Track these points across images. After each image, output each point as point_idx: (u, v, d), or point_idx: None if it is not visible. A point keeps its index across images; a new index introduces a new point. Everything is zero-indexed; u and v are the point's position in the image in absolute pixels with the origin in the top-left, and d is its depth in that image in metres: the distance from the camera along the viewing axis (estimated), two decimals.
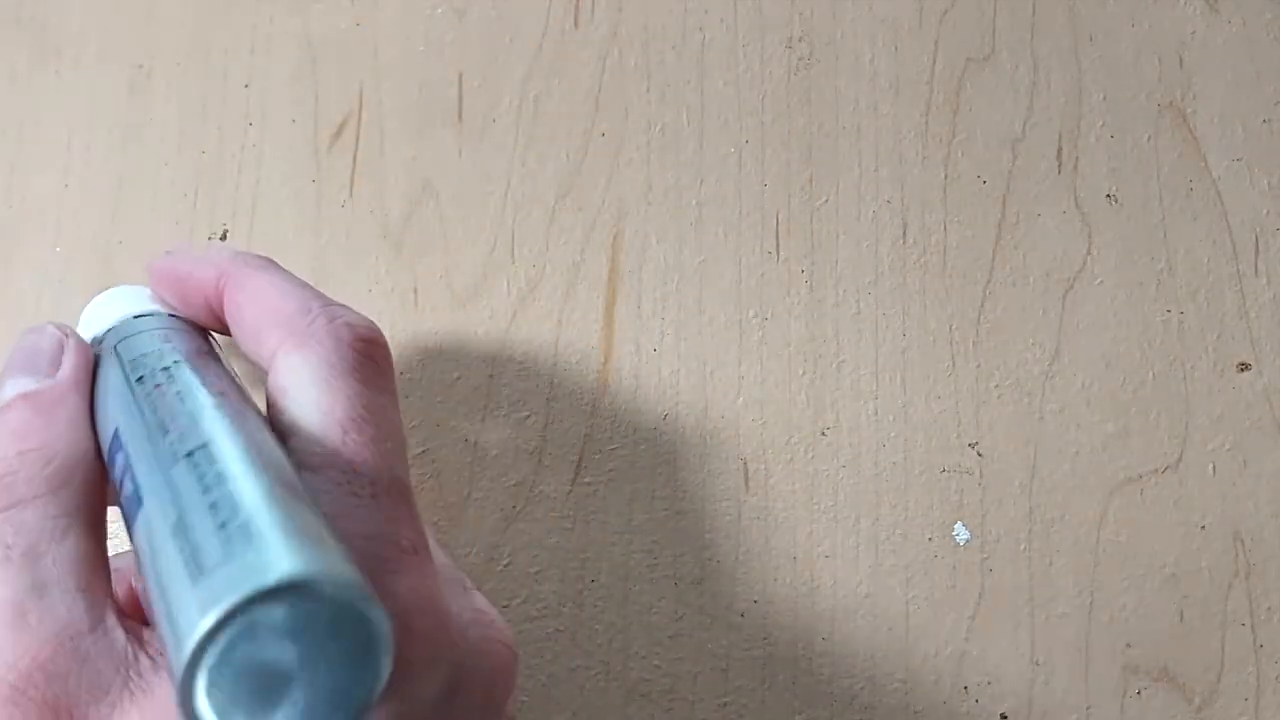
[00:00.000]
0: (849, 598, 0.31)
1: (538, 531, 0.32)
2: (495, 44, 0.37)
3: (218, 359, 0.21)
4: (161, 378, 0.19)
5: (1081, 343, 0.32)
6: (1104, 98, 0.34)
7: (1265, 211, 0.33)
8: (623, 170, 0.35)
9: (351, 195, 0.36)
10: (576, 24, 0.36)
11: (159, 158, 0.37)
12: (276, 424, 0.20)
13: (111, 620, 0.18)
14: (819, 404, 0.32)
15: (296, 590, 0.14)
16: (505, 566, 0.32)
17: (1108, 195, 0.33)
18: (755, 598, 0.31)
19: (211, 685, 0.14)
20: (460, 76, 0.36)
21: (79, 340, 0.22)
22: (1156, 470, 0.31)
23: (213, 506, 0.15)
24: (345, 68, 0.37)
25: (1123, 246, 0.33)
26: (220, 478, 0.16)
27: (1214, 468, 0.31)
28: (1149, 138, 0.34)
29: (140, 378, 0.19)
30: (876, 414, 0.32)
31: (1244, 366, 0.32)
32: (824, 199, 0.34)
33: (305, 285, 0.23)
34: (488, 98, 0.36)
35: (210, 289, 0.23)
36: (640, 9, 0.36)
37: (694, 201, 0.34)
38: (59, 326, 0.23)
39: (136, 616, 0.19)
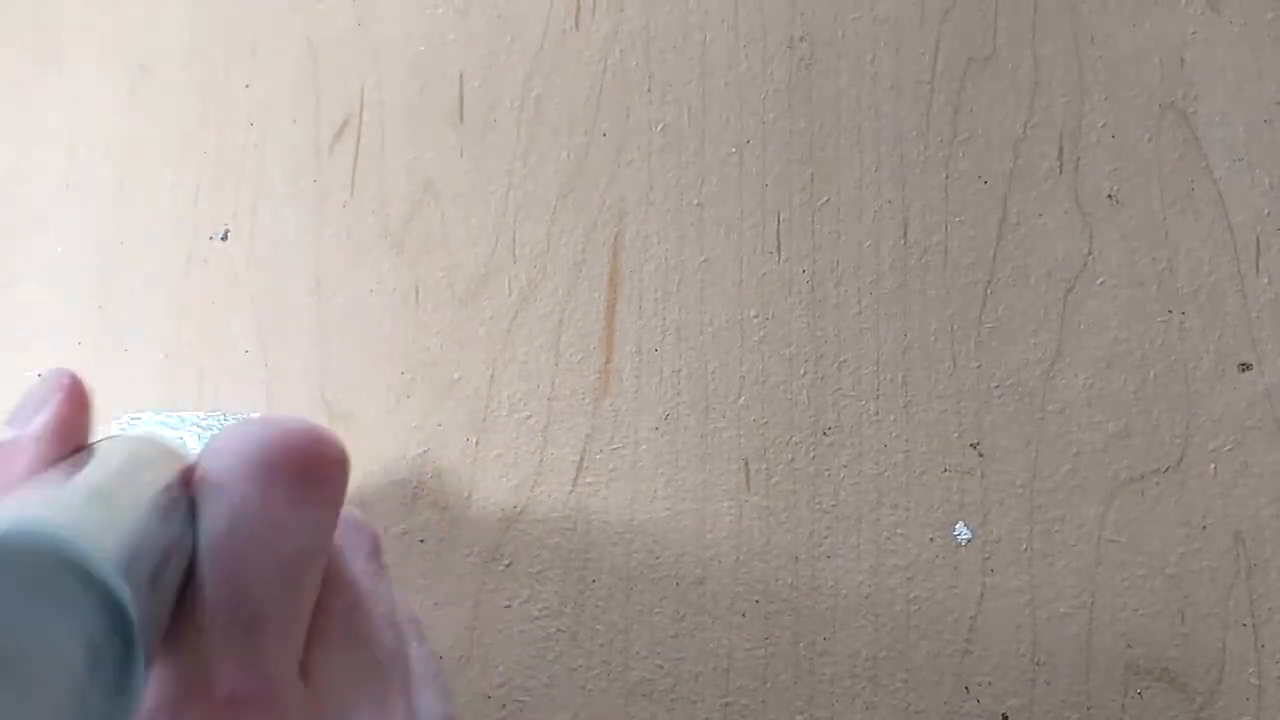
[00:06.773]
0: (850, 597, 0.31)
1: (539, 531, 0.32)
2: (496, 44, 0.37)
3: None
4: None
5: (1083, 342, 0.32)
6: (1105, 98, 0.34)
7: (1266, 211, 0.33)
8: (624, 170, 0.35)
9: (353, 195, 0.36)
10: (577, 24, 0.36)
11: (159, 158, 0.37)
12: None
13: None
14: (820, 404, 0.32)
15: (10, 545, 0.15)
16: (506, 567, 0.32)
17: (1109, 195, 0.33)
18: (757, 598, 0.31)
19: None
20: (461, 76, 0.36)
21: (65, 395, 0.23)
22: (1158, 470, 0.31)
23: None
24: (346, 68, 0.37)
25: (1124, 246, 0.33)
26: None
27: (1215, 468, 0.31)
28: (1150, 138, 0.34)
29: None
30: (878, 414, 0.32)
31: (1245, 366, 0.32)
32: (825, 199, 0.34)
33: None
34: (489, 98, 0.36)
35: None
36: (641, 9, 0.36)
37: (695, 201, 0.34)
38: (60, 378, 0.24)
39: None
